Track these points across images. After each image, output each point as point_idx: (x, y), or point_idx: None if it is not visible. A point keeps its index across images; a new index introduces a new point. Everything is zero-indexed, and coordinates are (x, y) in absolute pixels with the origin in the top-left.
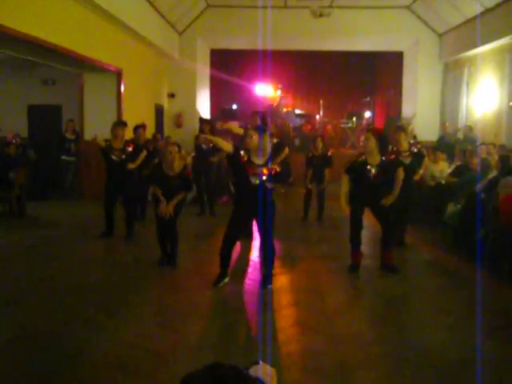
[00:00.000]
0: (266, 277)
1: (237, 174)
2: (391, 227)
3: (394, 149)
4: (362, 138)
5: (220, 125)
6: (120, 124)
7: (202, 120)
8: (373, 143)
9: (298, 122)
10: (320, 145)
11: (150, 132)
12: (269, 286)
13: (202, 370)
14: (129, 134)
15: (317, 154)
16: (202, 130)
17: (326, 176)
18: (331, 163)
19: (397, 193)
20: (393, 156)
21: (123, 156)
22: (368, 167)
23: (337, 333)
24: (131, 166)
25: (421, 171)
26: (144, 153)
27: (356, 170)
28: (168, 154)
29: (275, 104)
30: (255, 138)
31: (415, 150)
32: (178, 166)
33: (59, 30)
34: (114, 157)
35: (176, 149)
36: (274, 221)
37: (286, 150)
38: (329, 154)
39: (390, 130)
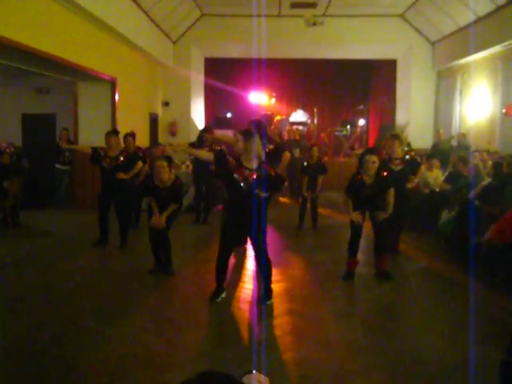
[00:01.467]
0: (265, 292)
1: (225, 181)
2: (384, 234)
3: (386, 156)
4: (368, 159)
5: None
6: (111, 133)
7: (204, 129)
8: (377, 165)
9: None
10: (315, 154)
11: (141, 141)
12: (268, 303)
13: (195, 379)
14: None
15: (311, 163)
16: (202, 140)
17: (319, 184)
18: (326, 171)
19: (390, 210)
20: (385, 173)
21: (114, 164)
22: (364, 185)
23: (332, 340)
24: (122, 175)
25: (416, 180)
26: (139, 164)
27: (353, 187)
28: (156, 168)
29: (277, 119)
30: (241, 141)
31: (407, 157)
32: (168, 178)
33: (53, 38)
34: (105, 164)
35: (164, 164)
36: (267, 230)
37: (287, 154)
38: (323, 161)
39: (384, 137)
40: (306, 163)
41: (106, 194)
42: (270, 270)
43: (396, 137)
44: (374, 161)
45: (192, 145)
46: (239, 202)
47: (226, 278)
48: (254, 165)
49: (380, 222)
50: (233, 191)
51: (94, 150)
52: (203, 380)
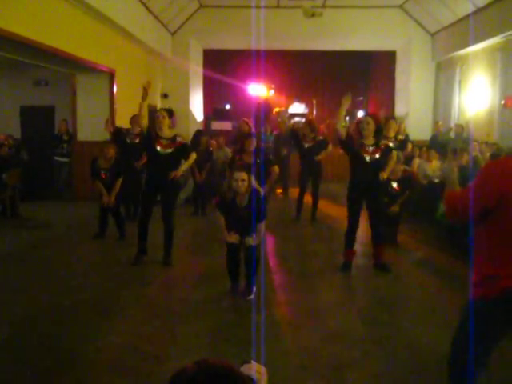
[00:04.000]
0: (247, 286)
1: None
2: (380, 224)
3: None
4: (362, 120)
5: None
6: (110, 143)
7: (198, 132)
8: (372, 127)
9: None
10: (307, 130)
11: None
12: (249, 298)
13: (192, 367)
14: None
15: (307, 146)
16: (198, 142)
17: (322, 159)
18: (327, 145)
19: (389, 170)
20: (384, 143)
21: (109, 175)
22: (364, 147)
23: (329, 331)
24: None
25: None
26: (120, 180)
27: (352, 147)
28: (157, 119)
29: (277, 111)
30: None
31: (401, 137)
32: (170, 133)
33: (51, 30)
34: (103, 176)
35: (164, 113)
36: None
37: (276, 169)
38: (319, 139)
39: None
40: (302, 145)
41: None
42: (255, 264)
43: (392, 117)
44: (368, 121)
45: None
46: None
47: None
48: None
49: (377, 210)
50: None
51: (93, 163)
52: (201, 368)
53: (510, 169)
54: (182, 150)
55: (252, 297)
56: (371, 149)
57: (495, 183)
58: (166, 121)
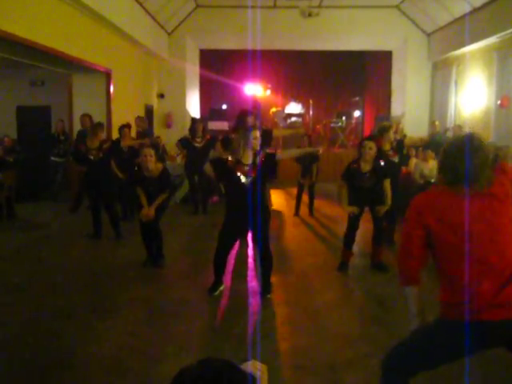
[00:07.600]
0: (265, 286)
1: (225, 179)
2: (382, 225)
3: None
4: (365, 145)
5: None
6: (99, 126)
7: (194, 120)
8: (374, 152)
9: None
10: (306, 143)
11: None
12: (268, 296)
13: (196, 365)
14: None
15: None
16: (194, 130)
17: (315, 171)
18: (318, 159)
19: (389, 202)
20: (382, 162)
21: (100, 154)
22: (360, 173)
23: (327, 331)
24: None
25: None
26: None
27: (350, 175)
28: (143, 157)
29: (273, 111)
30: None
31: (396, 141)
32: (155, 168)
33: (48, 30)
34: (91, 157)
35: (152, 152)
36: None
37: (276, 132)
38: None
39: (377, 130)
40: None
41: (93, 186)
42: (271, 265)
43: (388, 127)
44: (370, 147)
45: (183, 139)
46: (239, 197)
47: (225, 272)
48: (251, 159)
49: (381, 215)
50: (233, 188)
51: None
52: (203, 366)
53: (437, 203)
54: (165, 181)
55: (269, 295)
56: (367, 175)
57: (422, 216)
58: (154, 159)
